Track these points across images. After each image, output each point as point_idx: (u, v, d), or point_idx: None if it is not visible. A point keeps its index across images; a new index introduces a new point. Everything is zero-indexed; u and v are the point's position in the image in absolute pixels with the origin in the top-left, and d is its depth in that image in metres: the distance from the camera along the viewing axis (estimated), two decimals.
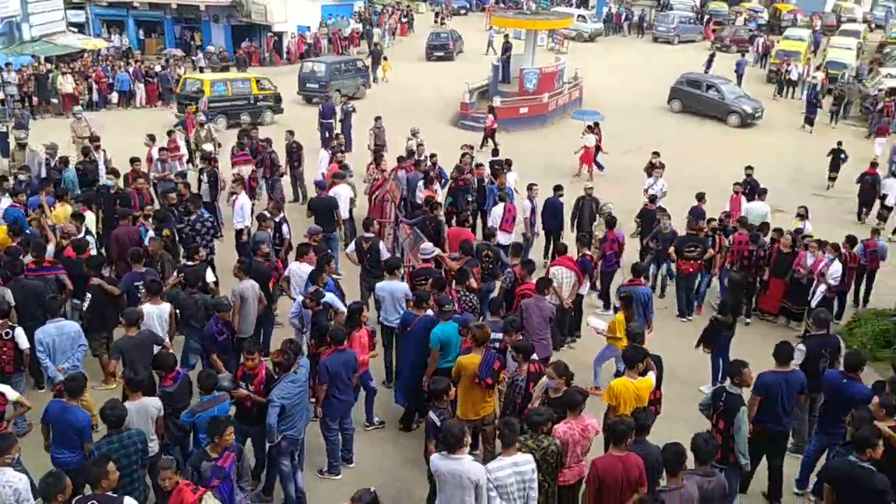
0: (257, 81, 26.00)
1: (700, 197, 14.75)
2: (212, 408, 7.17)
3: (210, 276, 10.61)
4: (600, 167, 21.91)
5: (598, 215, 14.34)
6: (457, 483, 6.07)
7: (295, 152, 17.35)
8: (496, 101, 26.56)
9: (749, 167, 17.25)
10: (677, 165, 21.57)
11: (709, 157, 23.98)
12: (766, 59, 36.98)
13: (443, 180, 15.84)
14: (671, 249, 13.05)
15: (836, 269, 12.08)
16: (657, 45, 43.32)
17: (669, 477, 5.96)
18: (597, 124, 22.28)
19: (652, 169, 17.46)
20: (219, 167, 15.59)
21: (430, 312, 8.96)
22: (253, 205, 13.95)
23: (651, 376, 7.79)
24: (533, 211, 14.33)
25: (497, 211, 13.62)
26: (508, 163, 16.20)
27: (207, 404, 7.24)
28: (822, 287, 12.15)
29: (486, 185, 15.52)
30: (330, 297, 9.23)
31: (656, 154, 18.03)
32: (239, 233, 13.04)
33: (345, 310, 9.08)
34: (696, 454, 6.08)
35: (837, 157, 21.52)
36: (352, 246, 11.70)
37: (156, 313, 8.95)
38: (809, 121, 28.22)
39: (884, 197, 18.78)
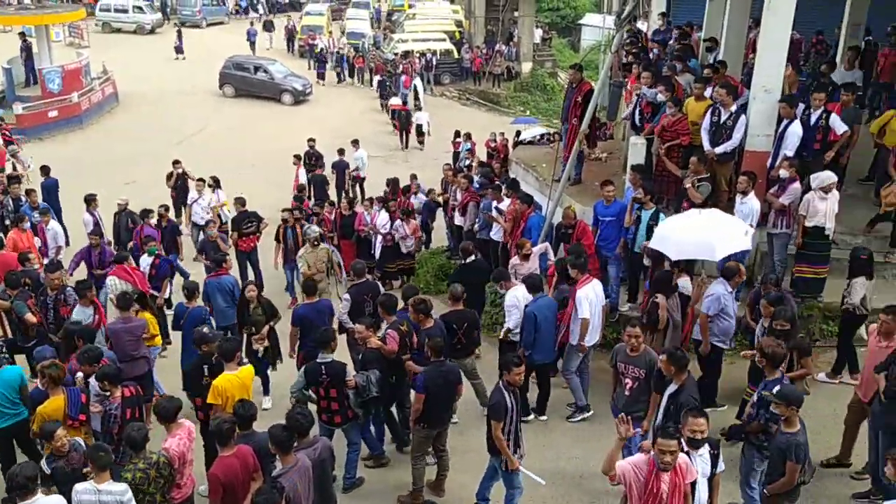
0: None
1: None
2: None
3: None
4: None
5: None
6: None
7: None
8: (18, 108, 23.57)
9: (311, 139, 18.64)
10: (238, 149, 21.85)
11: (268, 136, 24.50)
12: (293, 37, 38.15)
13: None
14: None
15: (384, 218, 13.43)
16: (188, 30, 42.11)
17: (284, 457, 5.98)
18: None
19: (171, 179, 15.47)
20: None
21: None
22: None
23: (251, 366, 7.84)
24: (96, 223, 13.23)
25: (56, 228, 12.61)
26: None
27: None
28: (379, 238, 13.39)
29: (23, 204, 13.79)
30: None
31: (177, 163, 16.05)
32: None
33: None
34: (297, 430, 6.20)
35: (385, 87, 29.13)
36: None
37: None
38: (333, 78, 33.08)
39: (419, 127, 24.23)
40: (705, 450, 5.69)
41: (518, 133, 21.26)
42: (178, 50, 34.24)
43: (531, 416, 8.96)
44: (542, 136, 19.04)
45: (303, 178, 17.06)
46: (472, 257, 10.76)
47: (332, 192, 18.11)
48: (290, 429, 6.04)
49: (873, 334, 7.42)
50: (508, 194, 11.89)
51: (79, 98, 25.44)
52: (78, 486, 5.74)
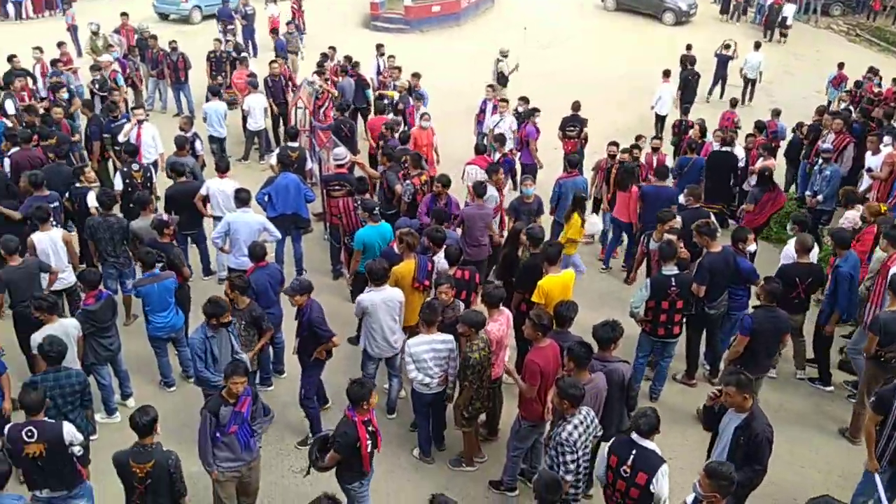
0: None
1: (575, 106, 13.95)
2: (153, 283, 7.78)
3: (92, 202, 9.49)
4: None
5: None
6: (389, 307, 7.33)
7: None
8: (408, 0, 25.86)
9: (689, 45, 18.39)
10: (599, 65, 21.76)
11: (637, 56, 23.06)
12: None
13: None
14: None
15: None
16: None
17: (579, 373, 6.02)
18: None
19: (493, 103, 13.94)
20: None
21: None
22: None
23: (571, 269, 8.13)
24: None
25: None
26: None
27: (148, 280, 7.82)
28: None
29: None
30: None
31: (492, 87, 14.91)
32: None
33: None
34: (597, 340, 6.33)
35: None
36: (274, 157, 11.15)
37: (47, 241, 8.38)
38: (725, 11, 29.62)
39: (783, 20, 26.02)
40: None
41: None
42: None
43: None
44: None
45: (666, 96, 16.32)
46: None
47: None
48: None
49: None
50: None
51: None
52: (411, 341, 6.83)
